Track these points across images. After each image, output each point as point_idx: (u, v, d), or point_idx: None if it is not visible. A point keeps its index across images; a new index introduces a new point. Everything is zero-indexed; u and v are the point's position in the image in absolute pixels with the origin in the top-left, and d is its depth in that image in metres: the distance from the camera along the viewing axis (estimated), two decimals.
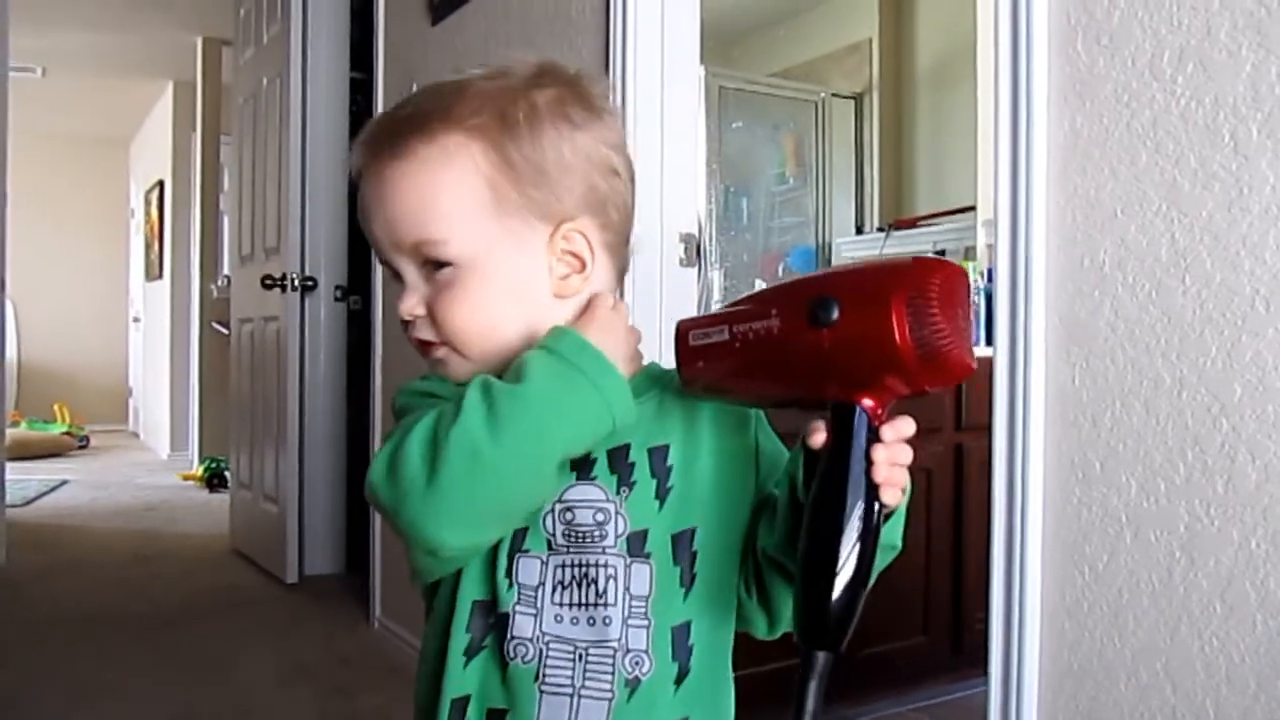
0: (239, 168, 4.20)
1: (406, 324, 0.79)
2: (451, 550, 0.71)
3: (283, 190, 3.60)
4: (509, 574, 0.73)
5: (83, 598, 3.40)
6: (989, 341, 1.34)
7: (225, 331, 4.93)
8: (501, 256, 0.75)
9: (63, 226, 8.49)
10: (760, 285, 3.31)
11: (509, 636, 0.73)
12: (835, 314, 0.64)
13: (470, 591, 0.74)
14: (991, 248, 3.23)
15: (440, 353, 0.78)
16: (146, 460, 7.07)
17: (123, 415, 8.74)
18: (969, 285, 0.66)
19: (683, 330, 0.72)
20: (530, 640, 0.73)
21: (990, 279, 3.18)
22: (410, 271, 0.77)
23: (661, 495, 0.77)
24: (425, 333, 0.78)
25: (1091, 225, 1.21)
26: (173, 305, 6.96)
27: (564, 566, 0.74)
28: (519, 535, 0.74)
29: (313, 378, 3.69)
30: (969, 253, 3.37)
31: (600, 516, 0.75)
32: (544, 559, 0.74)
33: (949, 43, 3.78)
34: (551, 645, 0.73)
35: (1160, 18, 1.13)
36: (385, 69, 3.02)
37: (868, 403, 0.67)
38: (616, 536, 0.75)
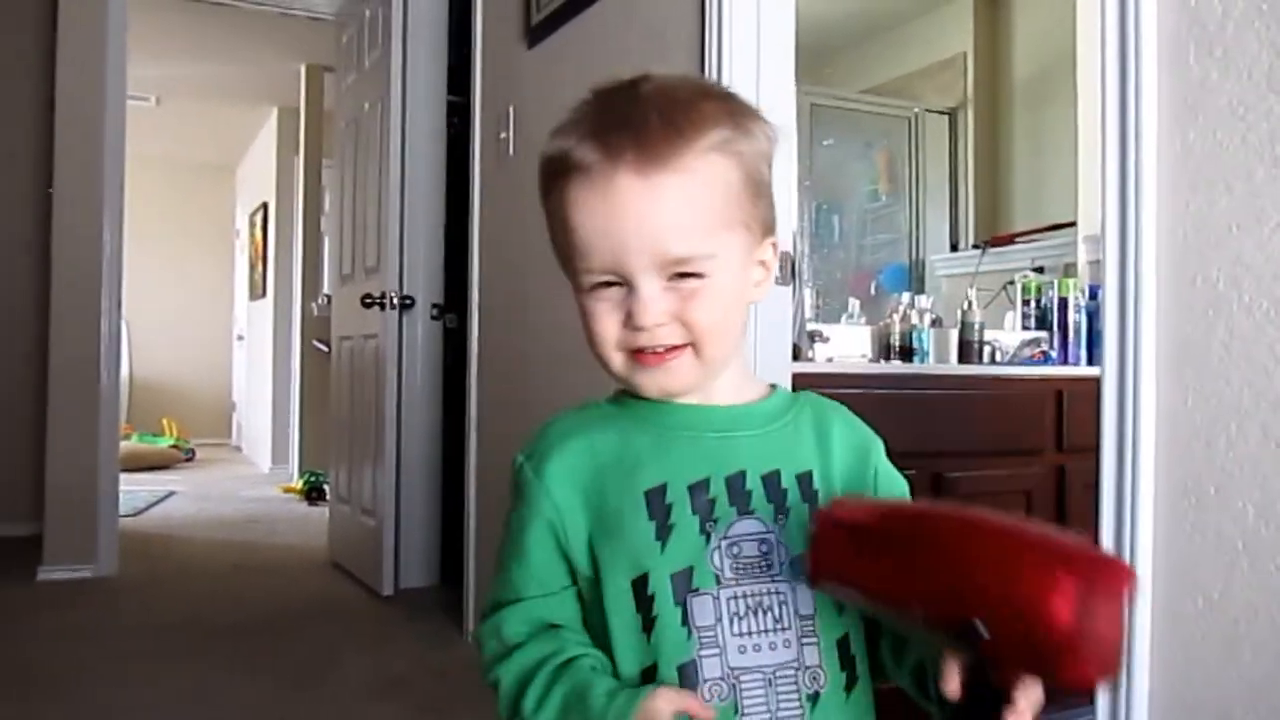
0: (340, 190, 4.33)
1: (634, 330, 0.79)
2: None
3: (382, 211, 3.69)
4: (685, 623, 0.76)
5: (186, 605, 3.52)
6: (1090, 361, 1.32)
7: (325, 349, 5.07)
8: (739, 266, 0.79)
9: (172, 248, 8.85)
10: (854, 304, 3.28)
11: (700, 680, 0.76)
12: (985, 635, 0.63)
13: (637, 660, 0.78)
14: (1093, 264, 3.15)
15: (682, 355, 0.79)
16: (248, 473, 7.29)
17: (226, 430, 9.04)
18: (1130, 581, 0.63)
19: (815, 562, 0.73)
20: (722, 679, 0.76)
21: (1092, 296, 3.11)
22: (651, 280, 0.77)
23: (800, 518, 0.81)
24: (675, 336, 0.78)
25: (1204, 242, 1.17)
26: (275, 323, 7.18)
27: (736, 599, 0.77)
28: (682, 577, 0.77)
29: (410, 394, 3.77)
30: (1069, 269, 3.30)
31: (764, 547, 0.79)
32: (715, 595, 0.77)
33: (1045, 56, 3.71)
34: (743, 677, 0.76)
35: (1277, 28, 1.10)
36: (483, 92, 3.08)
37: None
38: (780, 564, 0.79)
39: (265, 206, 7.59)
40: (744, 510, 0.79)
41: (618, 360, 0.80)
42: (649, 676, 0.76)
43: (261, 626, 3.27)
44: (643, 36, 2.24)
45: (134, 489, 5.78)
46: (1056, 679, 0.62)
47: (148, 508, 5.49)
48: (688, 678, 0.75)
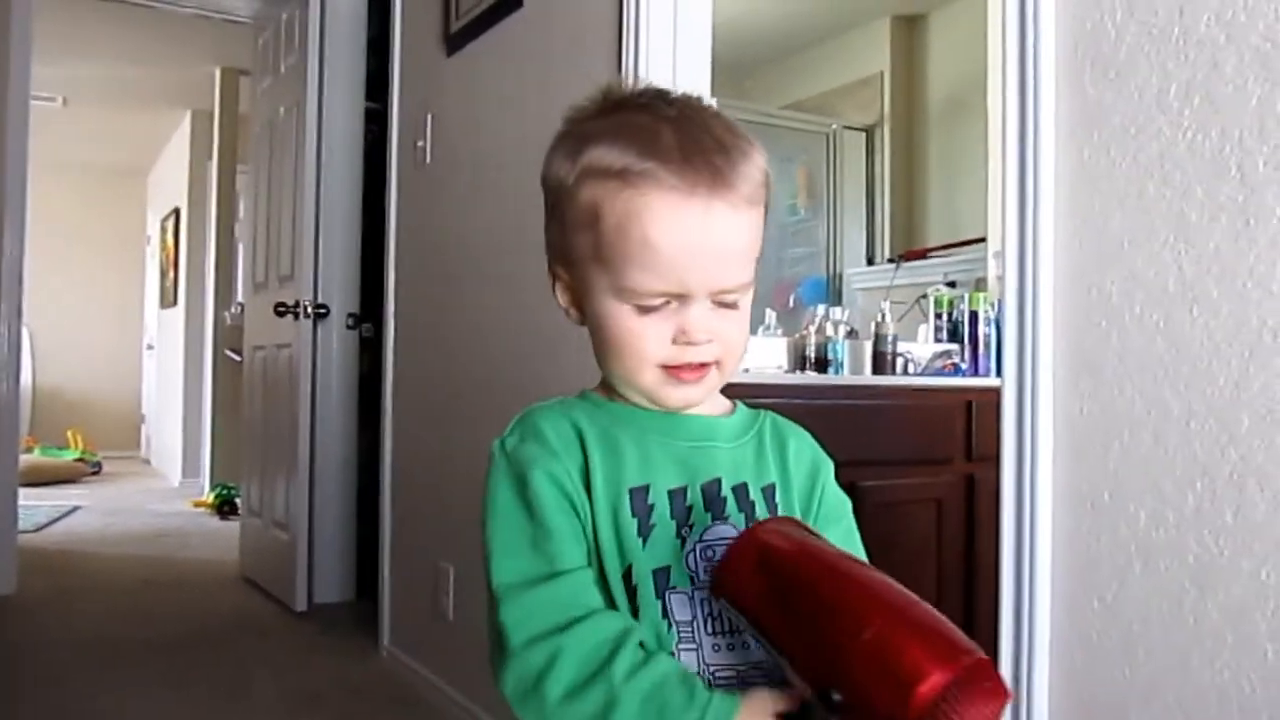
0: (254, 196, 4.24)
1: (681, 345, 0.82)
2: None
3: (297, 218, 3.63)
4: (665, 615, 0.78)
5: (92, 624, 3.40)
6: (999, 372, 1.35)
7: (238, 359, 4.97)
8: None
9: (79, 255, 8.58)
10: (770, 316, 3.32)
11: None
12: (841, 704, 0.65)
13: (636, 636, 0.77)
14: (1002, 279, 3.23)
15: (710, 371, 0.83)
16: (158, 487, 7.09)
17: (135, 442, 8.77)
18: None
19: (722, 577, 0.74)
20: (699, 675, 0.77)
21: (1000, 310, 3.19)
22: (703, 303, 0.81)
23: None
24: (713, 354, 0.82)
25: (1099, 256, 1.22)
26: (186, 332, 7.00)
27: (711, 600, 0.79)
28: (661, 575, 0.79)
29: (324, 405, 3.71)
30: (979, 284, 3.38)
31: None
32: (690, 594, 0.79)
33: (960, 77, 3.81)
34: (717, 674, 0.78)
35: (1167, 52, 1.15)
36: (400, 99, 3.05)
37: None
38: None
39: (177, 212, 7.41)
40: (718, 516, 0.82)
41: (650, 374, 0.82)
42: None
43: (172, 644, 3.18)
44: (562, 46, 2.25)
45: (36, 504, 5.58)
46: None
47: (50, 523, 5.30)
48: None
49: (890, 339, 3.03)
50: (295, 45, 3.69)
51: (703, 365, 0.82)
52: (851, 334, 3.14)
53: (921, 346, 3.22)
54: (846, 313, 3.41)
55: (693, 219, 0.78)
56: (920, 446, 2.57)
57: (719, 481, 0.83)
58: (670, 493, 0.82)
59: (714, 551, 0.80)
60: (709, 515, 0.82)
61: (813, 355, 2.97)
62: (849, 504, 0.93)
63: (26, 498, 4.86)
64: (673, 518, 0.81)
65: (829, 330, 3.01)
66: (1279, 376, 1.04)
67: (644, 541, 0.80)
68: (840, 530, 0.90)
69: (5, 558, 3.72)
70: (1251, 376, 1.06)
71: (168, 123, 7.30)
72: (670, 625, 0.78)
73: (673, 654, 0.77)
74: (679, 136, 0.79)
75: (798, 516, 0.86)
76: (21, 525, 4.14)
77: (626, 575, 0.79)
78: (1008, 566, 1.29)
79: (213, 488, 6.05)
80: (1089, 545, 1.22)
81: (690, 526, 0.81)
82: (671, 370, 0.82)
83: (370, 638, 3.15)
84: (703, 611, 0.79)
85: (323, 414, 3.70)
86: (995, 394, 1.34)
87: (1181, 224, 1.13)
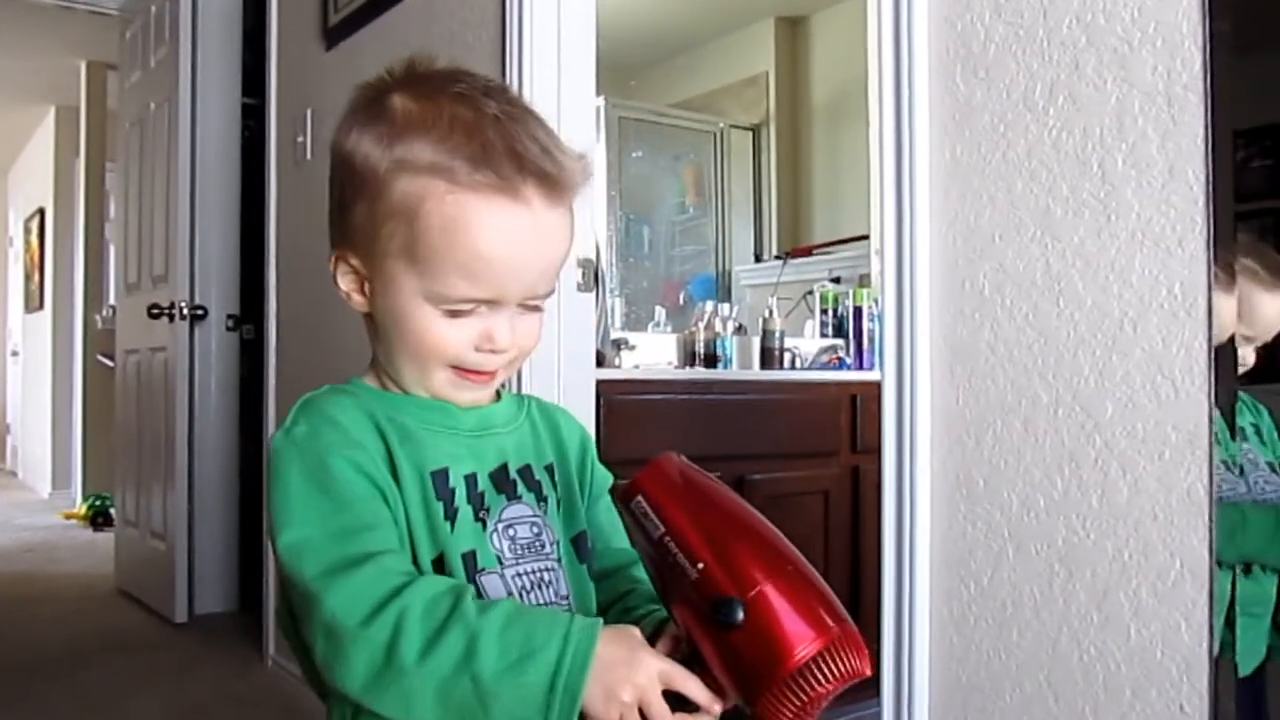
0: (125, 194, 4.07)
1: (476, 352, 0.81)
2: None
3: (170, 216, 3.50)
4: (480, 597, 0.76)
5: None
6: (882, 366, 1.39)
7: (110, 364, 4.76)
8: None
9: None
10: (660, 312, 3.34)
11: None
12: (740, 619, 0.66)
13: None
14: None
15: (501, 374, 0.84)
16: (26, 500, 6.75)
17: (0, 453, 8.34)
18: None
19: (649, 477, 0.73)
20: None
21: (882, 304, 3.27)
22: (511, 309, 0.80)
23: (558, 506, 0.87)
24: (508, 358, 0.82)
25: (972, 250, 1.25)
26: (54, 337, 6.69)
27: (519, 575, 0.80)
28: (470, 558, 0.78)
29: (203, 409, 3.58)
30: (864, 280, 3.46)
31: (535, 529, 0.84)
32: (500, 573, 0.80)
33: (843, 77, 3.89)
34: None
35: (1032, 52, 1.19)
36: (279, 94, 2.97)
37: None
38: (551, 544, 0.84)
39: (42, 212, 7.06)
40: (512, 497, 0.83)
41: (442, 375, 0.81)
42: None
43: (44, 662, 3.02)
44: (444, 42, 2.21)
45: None
46: (751, 703, 0.67)
47: None
48: None
49: (777, 335, 3.07)
50: (166, 38, 3.55)
51: (495, 370, 0.83)
52: (740, 330, 3.17)
53: (808, 342, 3.27)
54: (735, 309, 3.45)
55: (524, 230, 0.76)
56: (807, 439, 2.61)
57: (505, 465, 0.84)
58: (465, 477, 0.81)
59: (515, 530, 0.81)
60: (503, 496, 0.82)
61: (702, 351, 2.99)
62: (611, 479, 0.93)
63: None
64: (469, 502, 0.80)
65: (718, 327, 3.04)
66: (1139, 366, 1.09)
67: (451, 525, 0.79)
68: (604, 503, 0.91)
69: None
70: (1114, 365, 1.11)
71: (29, 119, 6.95)
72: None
73: None
74: (506, 140, 0.76)
75: (574, 492, 0.89)
76: None
77: (438, 562, 0.77)
78: (889, 554, 1.32)
79: (85, 498, 5.79)
80: (965, 532, 1.26)
81: (487, 510, 0.81)
82: (463, 372, 0.81)
83: (254, 648, 3.05)
84: (515, 588, 0.80)
85: (201, 419, 3.57)
86: (878, 387, 1.37)
87: (1048, 219, 1.17)
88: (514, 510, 0.83)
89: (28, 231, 7.51)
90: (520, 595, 0.79)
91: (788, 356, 3.08)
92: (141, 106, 3.83)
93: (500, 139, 0.76)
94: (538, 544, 0.83)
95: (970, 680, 1.25)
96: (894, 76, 1.31)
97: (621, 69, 4.35)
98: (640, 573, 0.88)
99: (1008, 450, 1.21)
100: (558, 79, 1.99)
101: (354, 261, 0.82)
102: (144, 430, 3.75)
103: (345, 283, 0.83)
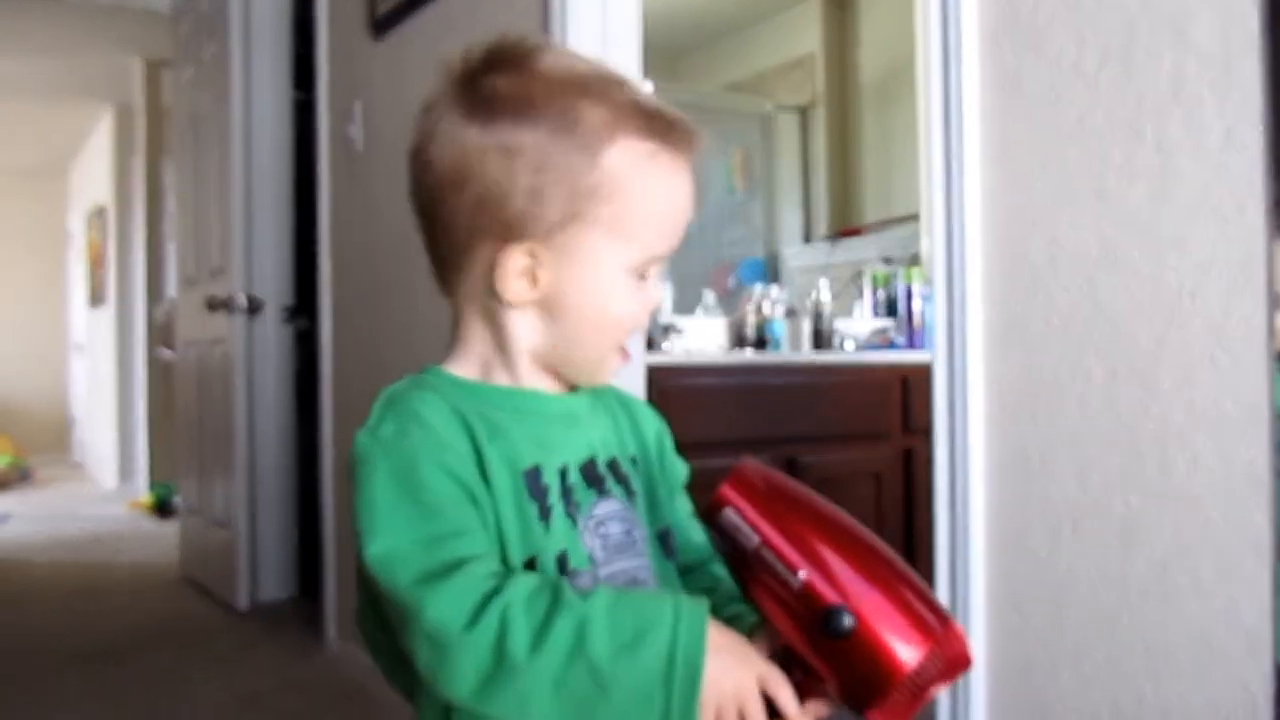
0: (182, 190, 4.15)
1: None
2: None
3: (226, 211, 3.56)
4: None
5: (25, 634, 3.31)
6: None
7: (171, 356, 4.86)
8: None
9: None
10: (709, 296, 3.33)
11: None
12: (849, 628, 0.66)
13: None
14: None
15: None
16: (92, 491, 6.93)
17: (65, 445, 8.56)
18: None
19: (735, 486, 0.72)
20: None
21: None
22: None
23: (645, 500, 0.85)
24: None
25: (1024, 223, 1.23)
26: (117, 331, 6.84)
27: (613, 576, 0.78)
28: (562, 559, 0.76)
29: (261, 400, 3.64)
30: (914, 259, 3.42)
31: (627, 525, 0.81)
32: (594, 574, 0.77)
33: (891, 56, 3.84)
34: None
35: (1083, 18, 1.16)
36: (330, 86, 3.00)
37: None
38: (643, 541, 0.81)
39: (103, 209, 7.22)
40: (602, 492, 0.80)
41: (617, 354, 0.81)
42: None
43: (110, 651, 3.10)
44: (489, 28, 2.22)
45: None
46: (858, 706, 0.67)
47: None
48: None
49: (828, 316, 3.05)
50: (216, 34, 3.60)
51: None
52: (790, 313, 3.16)
53: (858, 323, 3.25)
54: (785, 291, 3.43)
55: (687, 181, 0.80)
56: (858, 421, 2.60)
57: (594, 459, 0.81)
58: (558, 470, 0.78)
59: (607, 528, 0.79)
60: (593, 491, 0.80)
61: (752, 334, 2.98)
62: (687, 470, 0.93)
63: None
64: (562, 498, 0.77)
65: (767, 309, 3.03)
66: (1197, 337, 1.06)
67: (546, 525, 0.76)
68: (682, 497, 0.91)
69: None
70: (1171, 338, 1.09)
71: (88, 118, 7.10)
72: None
73: None
74: (646, 99, 0.78)
75: (657, 485, 0.87)
76: None
77: (529, 564, 0.74)
78: (942, 533, 1.30)
79: (150, 488, 5.92)
80: (1021, 509, 1.24)
81: (577, 505, 0.78)
82: (623, 349, 0.82)
83: (315, 634, 3.11)
84: (618, 585, 0.78)
85: (260, 408, 3.63)
86: (929, 368, 1.35)
87: (1102, 189, 1.15)
88: (605, 506, 0.80)
89: (89, 229, 7.69)
90: None
91: (838, 338, 3.06)
92: (195, 103, 3.90)
93: (641, 97, 0.77)
94: (629, 541, 0.80)
95: (1028, 658, 1.23)
96: (941, 48, 1.29)
97: (668, 53, 4.34)
98: (720, 570, 0.86)
99: (1062, 426, 1.19)
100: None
101: (539, 253, 0.76)
102: (205, 421, 3.83)
103: (516, 276, 0.77)
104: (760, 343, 2.97)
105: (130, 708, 2.59)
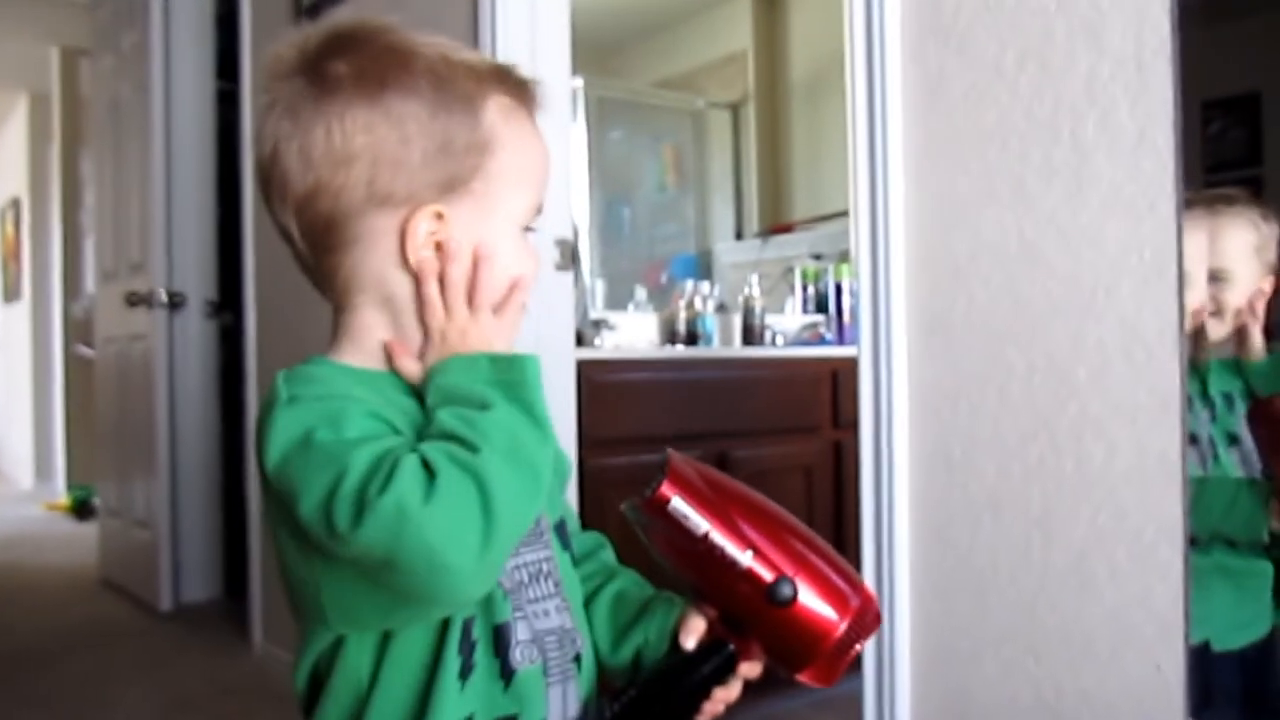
0: (101, 182, 4.03)
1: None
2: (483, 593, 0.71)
3: (146, 203, 3.47)
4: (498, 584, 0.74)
5: None
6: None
7: (90, 353, 4.72)
8: None
9: None
10: (641, 292, 3.33)
11: (514, 643, 0.75)
12: (792, 596, 0.73)
13: (460, 613, 0.73)
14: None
15: None
16: (7, 491, 6.71)
17: None
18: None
19: (674, 479, 0.74)
20: (531, 641, 0.76)
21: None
22: None
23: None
24: None
25: (946, 220, 1.26)
26: (33, 328, 6.63)
27: (519, 567, 0.77)
28: None
29: (184, 397, 3.56)
30: (844, 256, 3.46)
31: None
32: (505, 569, 0.76)
33: (821, 53, 3.88)
34: (546, 640, 0.77)
35: (1003, 20, 1.19)
36: (253, 77, 2.94)
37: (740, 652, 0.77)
38: (546, 531, 0.81)
39: (17, 201, 6.99)
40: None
41: (521, 312, 0.80)
42: (467, 630, 0.72)
43: (28, 653, 3.01)
44: (416, 21, 2.19)
45: None
46: (789, 668, 0.75)
47: None
48: (502, 638, 0.74)
49: (758, 312, 3.07)
50: (137, 22, 3.51)
51: None
52: (721, 308, 3.18)
53: (789, 318, 3.28)
54: (716, 288, 3.45)
55: (542, 135, 0.81)
56: (789, 416, 2.62)
57: None
58: None
59: None
60: None
61: (683, 330, 2.99)
62: (567, 460, 0.94)
63: None
64: None
65: (698, 305, 3.04)
66: (1111, 331, 1.10)
67: None
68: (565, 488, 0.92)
69: None
70: (1087, 331, 1.12)
71: (1, 107, 6.87)
72: (506, 594, 0.75)
73: (507, 623, 0.74)
74: (491, 61, 0.81)
75: (551, 475, 0.84)
76: None
77: None
78: (868, 525, 1.32)
79: (69, 489, 5.76)
80: (943, 500, 1.26)
81: None
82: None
83: (241, 635, 3.05)
84: (517, 580, 0.76)
85: (182, 406, 3.55)
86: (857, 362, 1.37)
87: (1021, 187, 1.18)
88: None
89: (3, 221, 7.44)
90: (520, 589, 0.76)
91: (769, 334, 3.09)
92: (114, 92, 3.79)
93: (491, 60, 0.80)
94: (536, 531, 0.79)
95: (950, 648, 1.26)
96: (865, 48, 1.31)
97: (600, 48, 4.34)
98: (610, 557, 0.90)
99: (984, 419, 1.22)
100: (531, 61, 1.98)
101: (435, 214, 0.74)
102: (125, 419, 3.73)
103: (424, 244, 0.74)
104: (692, 338, 2.98)
105: (60, 712, 2.52)
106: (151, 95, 3.40)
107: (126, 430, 3.71)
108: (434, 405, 0.70)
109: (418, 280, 0.75)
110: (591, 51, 4.10)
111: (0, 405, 7.82)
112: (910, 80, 1.29)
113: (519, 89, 0.79)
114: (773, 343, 3.07)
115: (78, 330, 5.77)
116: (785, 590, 0.72)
